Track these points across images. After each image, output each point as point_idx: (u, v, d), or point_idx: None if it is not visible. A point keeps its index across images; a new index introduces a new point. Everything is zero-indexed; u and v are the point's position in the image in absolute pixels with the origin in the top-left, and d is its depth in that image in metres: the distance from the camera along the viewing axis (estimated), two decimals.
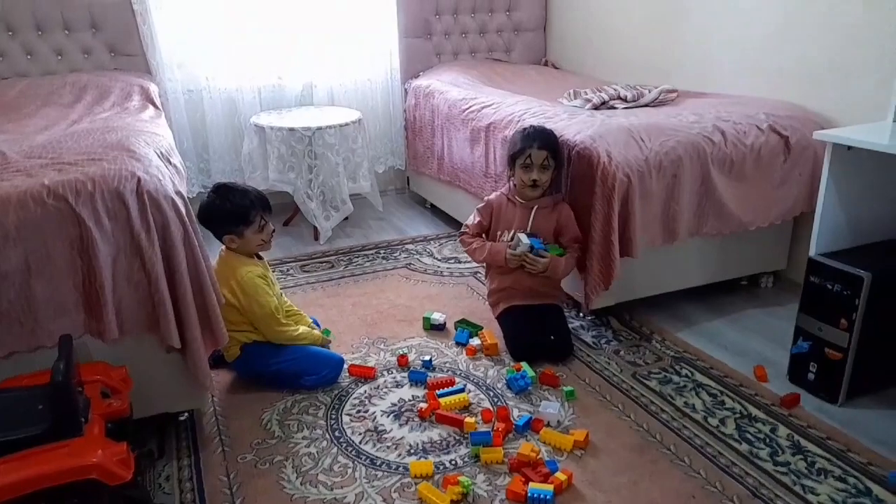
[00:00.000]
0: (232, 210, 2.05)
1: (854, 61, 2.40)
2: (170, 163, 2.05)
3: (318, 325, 2.36)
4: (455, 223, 3.51)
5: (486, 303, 2.47)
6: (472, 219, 2.40)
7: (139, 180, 1.62)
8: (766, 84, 2.74)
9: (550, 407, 1.93)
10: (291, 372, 2.09)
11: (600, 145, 2.21)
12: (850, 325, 1.90)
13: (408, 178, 4.06)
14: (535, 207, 2.27)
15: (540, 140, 2.21)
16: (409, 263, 3.10)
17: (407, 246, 3.33)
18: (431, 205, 3.80)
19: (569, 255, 2.27)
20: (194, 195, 3.61)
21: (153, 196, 1.62)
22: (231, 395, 2.10)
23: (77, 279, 1.59)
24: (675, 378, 2.14)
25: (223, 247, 2.12)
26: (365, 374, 2.16)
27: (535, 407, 1.98)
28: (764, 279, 2.74)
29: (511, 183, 2.33)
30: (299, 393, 2.08)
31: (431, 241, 3.38)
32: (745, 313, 2.56)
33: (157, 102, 2.91)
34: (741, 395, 2.04)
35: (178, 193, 1.75)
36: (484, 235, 2.38)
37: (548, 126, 2.47)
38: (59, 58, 3.09)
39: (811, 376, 2.03)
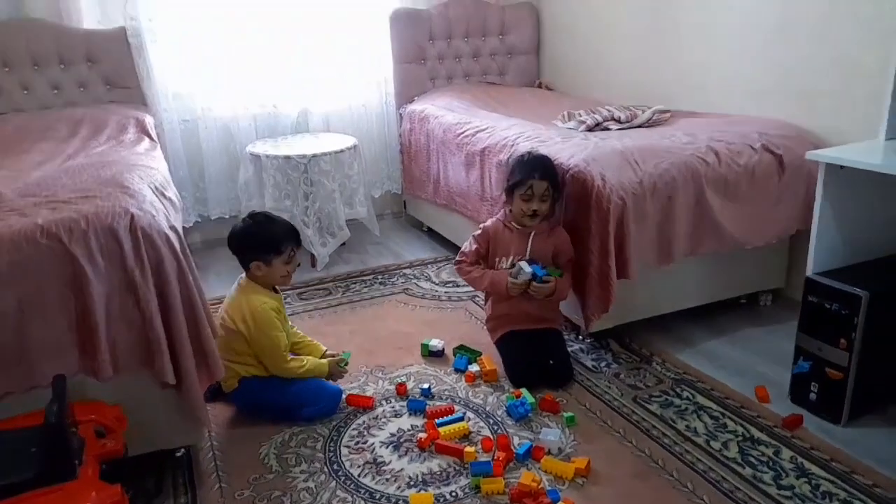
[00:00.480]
0: (266, 238, 2.07)
1: (845, 79, 2.41)
2: (164, 196, 2.06)
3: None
4: (452, 246, 3.50)
5: (485, 327, 2.46)
6: (468, 246, 2.37)
7: (132, 217, 1.62)
8: (759, 103, 2.76)
9: (551, 434, 1.91)
10: (289, 404, 2.07)
11: (594, 168, 2.21)
12: (850, 345, 1.88)
13: (404, 202, 4.07)
14: (533, 234, 2.25)
15: (541, 171, 2.18)
16: (407, 288, 3.09)
17: (404, 270, 3.32)
18: (428, 228, 3.80)
19: (567, 275, 2.27)
20: (191, 225, 3.63)
21: (147, 232, 1.62)
22: (228, 429, 2.08)
23: (71, 318, 1.58)
24: (677, 401, 2.12)
25: (242, 275, 2.14)
26: (363, 404, 2.14)
27: (536, 434, 1.96)
28: (763, 297, 2.73)
29: (507, 209, 2.31)
30: (297, 425, 2.07)
31: (429, 265, 3.37)
32: (744, 333, 2.54)
33: (153, 134, 2.93)
34: (743, 417, 2.02)
35: (172, 228, 1.75)
36: (481, 262, 2.37)
37: (542, 150, 2.49)
38: (56, 92, 3.11)
39: (813, 396, 2.01)
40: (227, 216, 3.70)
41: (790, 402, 2.08)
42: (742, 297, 2.72)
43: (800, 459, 1.82)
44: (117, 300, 1.60)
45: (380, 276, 3.26)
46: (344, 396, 2.15)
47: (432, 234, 3.75)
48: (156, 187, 2.00)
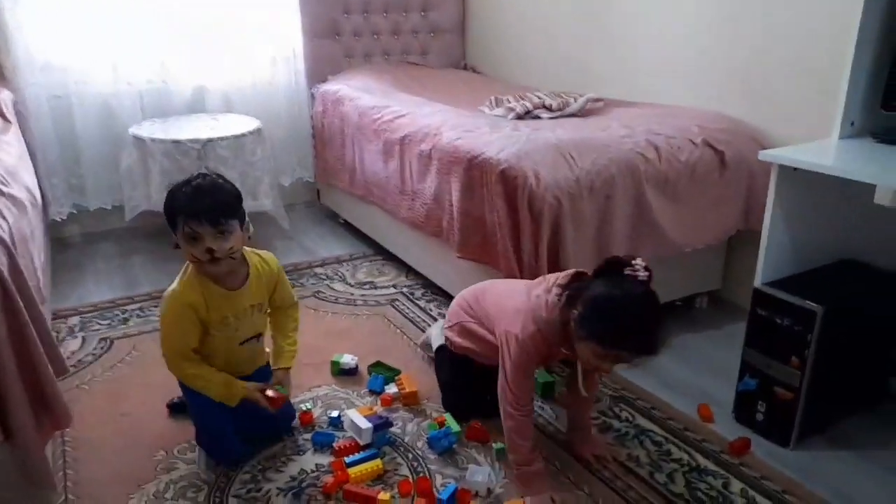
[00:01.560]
0: (167, 205, 1.59)
1: (792, 72, 2.25)
2: (1, 194, 1.64)
3: None
4: (370, 242, 3.19)
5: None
6: (517, 384, 1.61)
7: None
8: (697, 93, 2.59)
9: (479, 473, 1.66)
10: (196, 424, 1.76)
11: (527, 164, 1.96)
12: (802, 363, 1.72)
13: (318, 190, 3.71)
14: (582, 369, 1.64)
15: (637, 348, 1.47)
16: (318, 291, 2.76)
17: (316, 270, 2.99)
18: (345, 220, 3.46)
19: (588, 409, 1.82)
20: (65, 217, 3.15)
21: None
22: (95, 472, 1.70)
23: None
24: (616, 423, 1.92)
25: None
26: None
27: (462, 472, 1.70)
28: (699, 300, 2.59)
29: (557, 314, 1.56)
30: (175, 469, 1.72)
31: (344, 263, 3.05)
32: (682, 340, 2.38)
33: (7, 112, 2.45)
34: (688, 442, 1.83)
35: None
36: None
37: (468, 140, 2.21)
38: None
39: (760, 416, 1.85)
40: (108, 206, 3.23)
41: (735, 422, 1.92)
42: (678, 300, 2.56)
43: (751, 493, 1.65)
44: None
45: (288, 277, 2.89)
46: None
47: (349, 227, 3.42)
48: None
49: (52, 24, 2.91)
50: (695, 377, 2.15)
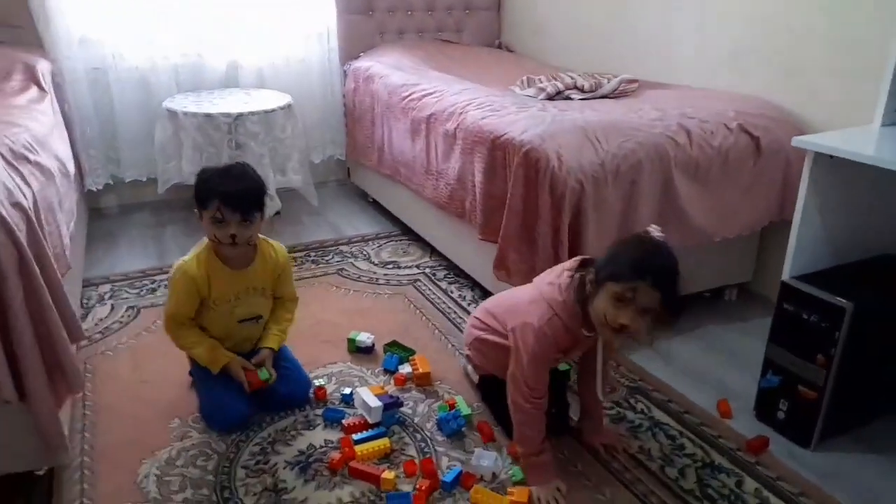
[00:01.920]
0: (199, 182, 1.71)
1: (836, 56, 2.13)
2: (27, 161, 1.68)
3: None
4: (397, 222, 3.18)
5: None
6: (531, 376, 1.56)
7: None
8: (736, 77, 2.48)
9: (485, 458, 1.64)
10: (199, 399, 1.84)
11: (550, 146, 1.91)
12: (829, 362, 1.65)
13: (348, 168, 3.71)
14: (601, 346, 1.62)
15: (660, 276, 1.38)
16: (342, 269, 2.77)
17: (342, 247, 2.99)
18: (374, 199, 3.46)
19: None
20: (101, 187, 3.22)
21: None
22: (108, 439, 1.75)
23: None
24: (630, 415, 1.87)
25: None
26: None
27: (468, 455, 1.69)
28: (728, 292, 2.50)
29: (573, 291, 1.51)
30: (189, 437, 1.75)
31: (370, 242, 3.05)
32: (707, 331, 2.31)
33: (45, 83, 2.50)
34: (703, 437, 1.78)
35: (17, 206, 1.39)
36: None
37: (493, 120, 2.17)
38: None
39: (781, 415, 1.78)
40: (143, 179, 3.30)
41: (755, 419, 1.85)
42: (706, 291, 2.48)
43: (765, 493, 1.59)
44: None
45: (313, 254, 2.93)
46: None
47: (378, 206, 3.42)
48: (13, 150, 1.62)
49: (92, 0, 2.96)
50: (717, 371, 2.09)
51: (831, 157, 1.62)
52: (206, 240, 1.77)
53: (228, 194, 1.65)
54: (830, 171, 1.66)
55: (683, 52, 2.70)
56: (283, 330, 1.91)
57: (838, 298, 1.61)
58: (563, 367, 1.94)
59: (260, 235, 1.82)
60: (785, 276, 1.74)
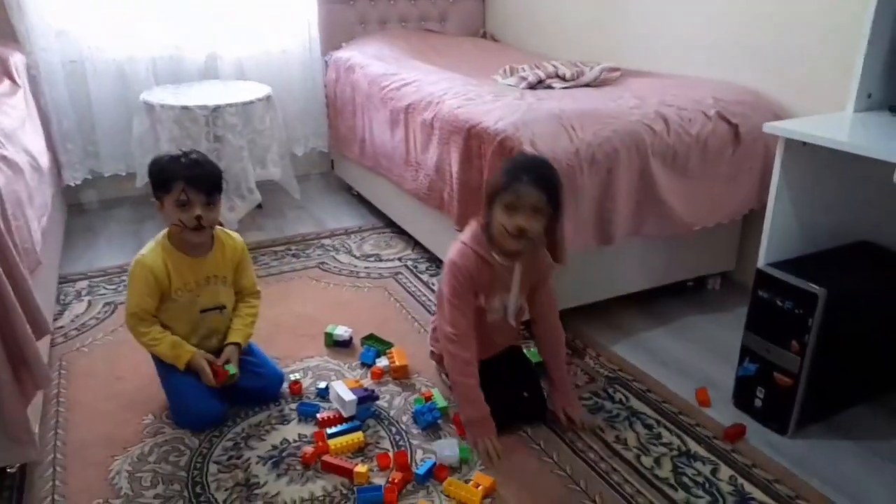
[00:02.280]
0: (159, 168, 1.69)
1: (813, 41, 2.12)
2: None
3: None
4: (380, 215, 3.16)
5: (430, 350, 1.99)
6: (452, 311, 1.66)
7: None
8: (716, 64, 2.46)
9: (447, 447, 1.63)
10: (168, 398, 1.81)
11: (524, 135, 1.89)
12: (803, 349, 1.64)
13: (332, 161, 3.69)
14: (519, 267, 1.68)
15: (535, 174, 1.56)
16: (323, 262, 2.75)
17: (324, 241, 2.97)
18: (358, 192, 3.44)
19: (557, 352, 1.79)
20: (80, 182, 3.20)
21: None
22: (84, 433, 1.73)
23: None
24: (608, 405, 1.86)
25: None
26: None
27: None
28: (711, 281, 2.49)
29: (480, 225, 1.66)
30: (162, 433, 1.74)
31: (352, 235, 3.03)
32: (689, 321, 2.30)
33: (17, 76, 2.47)
34: (680, 426, 1.77)
35: None
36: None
37: (469, 108, 2.15)
38: None
39: (758, 403, 1.78)
40: (122, 173, 3.27)
41: (733, 408, 1.85)
42: (689, 280, 2.47)
43: (739, 480, 1.58)
44: None
45: (294, 247, 2.91)
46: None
47: (361, 199, 3.39)
48: None
49: None
50: (698, 361, 2.08)
51: (804, 143, 1.60)
52: (162, 233, 1.76)
53: (192, 176, 1.65)
54: (803, 157, 1.65)
55: (667, 41, 2.68)
56: (247, 325, 1.88)
57: (811, 285, 1.60)
58: (532, 356, 1.93)
59: (217, 227, 1.81)
60: (760, 264, 1.74)
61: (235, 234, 1.89)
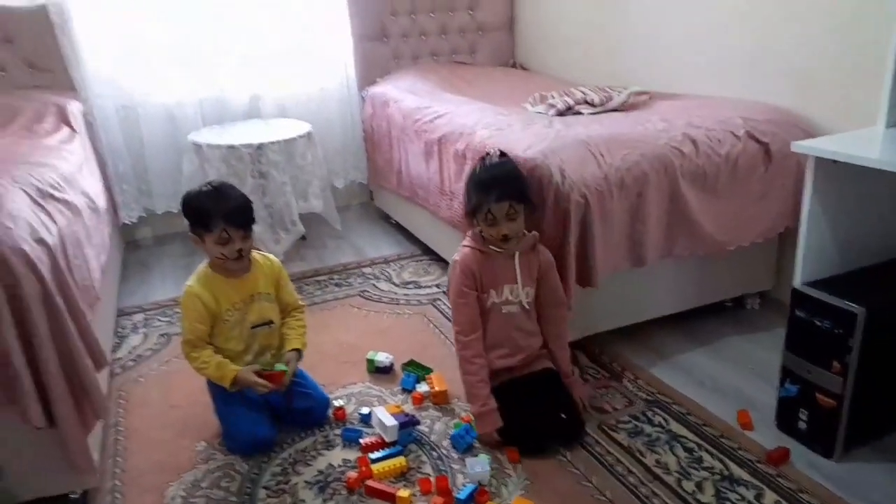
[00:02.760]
0: (196, 209, 1.81)
1: (842, 57, 2.11)
2: (54, 199, 1.78)
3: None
4: (418, 243, 3.23)
5: (446, 339, 2.12)
6: (461, 316, 1.84)
7: None
8: (744, 84, 2.46)
9: (478, 464, 1.66)
10: (221, 423, 1.90)
11: (553, 162, 1.93)
12: (844, 368, 1.62)
13: (371, 192, 3.79)
14: (517, 254, 1.84)
15: (498, 190, 1.74)
16: (364, 290, 2.83)
17: (364, 269, 3.05)
18: (396, 221, 3.52)
19: (563, 344, 1.94)
20: (135, 220, 3.36)
21: None
22: (141, 460, 1.82)
23: None
24: (648, 428, 1.86)
25: None
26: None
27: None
28: (749, 300, 2.47)
29: (477, 231, 1.85)
30: (214, 459, 1.81)
31: (392, 263, 3.11)
32: (728, 342, 2.28)
33: (75, 123, 2.64)
34: (722, 450, 1.76)
35: (40, 242, 1.47)
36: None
37: (499, 139, 2.20)
38: None
39: (802, 425, 1.75)
40: (174, 210, 3.42)
41: (777, 430, 1.83)
42: (728, 300, 2.45)
43: None
44: None
45: (336, 276, 2.99)
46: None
47: (400, 228, 3.47)
48: (39, 189, 1.72)
49: (114, 39, 3.11)
50: (737, 382, 2.06)
51: (835, 161, 1.60)
52: (203, 263, 1.88)
53: (230, 214, 1.76)
54: (834, 175, 1.64)
55: (693, 62, 2.70)
56: (300, 334, 1.97)
57: (850, 303, 1.59)
58: None
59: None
60: (796, 283, 1.73)
61: (270, 255, 2.00)
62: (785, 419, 1.80)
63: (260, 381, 1.80)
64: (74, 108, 2.72)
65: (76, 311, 1.50)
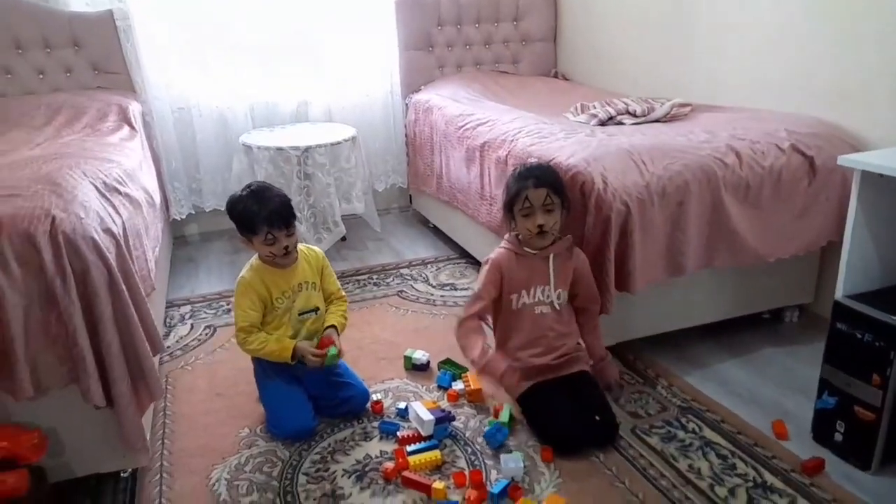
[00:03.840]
0: (241, 215, 1.92)
1: (888, 73, 2.10)
2: (118, 192, 1.89)
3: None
4: (455, 246, 3.29)
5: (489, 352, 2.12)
6: (474, 297, 1.95)
7: (53, 220, 1.44)
8: (789, 97, 2.46)
9: (511, 461, 1.70)
10: (266, 410, 1.99)
11: (595, 169, 1.97)
12: (884, 382, 1.61)
13: (410, 196, 3.87)
14: (552, 256, 1.90)
15: (535, 178, 1.84)
16: (402, 290, 2.89)
17: (402, 270, 3.12)
18: (434, 224, 3.59)
19: (595, 336, 2.02)
20: (184, 216, 3.49)
21: (69, 238, 1.44)
22: (187, 443, 1.91)
23: None
24: (681, 434, 1.88)
25: None
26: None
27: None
28: (788, 313, 2.46)
29: (513, 234, 1.94)
30: (256, 445, 1.89)
31: (429, 265, 3.17)
32: (764, 354, 2.28)
33: (135, 122, 2.78)
34: (756, 458, 1.77)
35: (107, 231, 1.57)
36: (488, 312, 2.01)
37: (542, 147, 2.25)
38: (41, 77, 2.98)
39: (838, 437, 1.75)
40: (221, 208, 3.54)
41: (812, 441, 1.82)
42: (765, 312, 2.45)
43: None
44: (38, 313, 1.44)
45: (375, 276, 3.06)
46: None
47: (438, 232, 3.54)
48: (106, 183, 1.83)
49: (173, 44, 3.25)
50: (773, 393, 2.06)
51: (881, 175, 1.61)
52: (254, 256, 1.98)
53: (272, 217, 1.86)
54: (881, 189, 1.64)
55: (735, 75, 2.70)
56: (340, 315, 2.06)
57: (892, 317, 1.58)
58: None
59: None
60: (838, 296, 1.73)
61: (314, 247, 2.11)
62: (821, 431, 1.80)
63: (314, 351, 1.91)
64: (134, 108, 2.86)
65: (137, 298, 1.59)
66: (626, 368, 2.21)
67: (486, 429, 1.88)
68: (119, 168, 2.03)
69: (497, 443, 1.82)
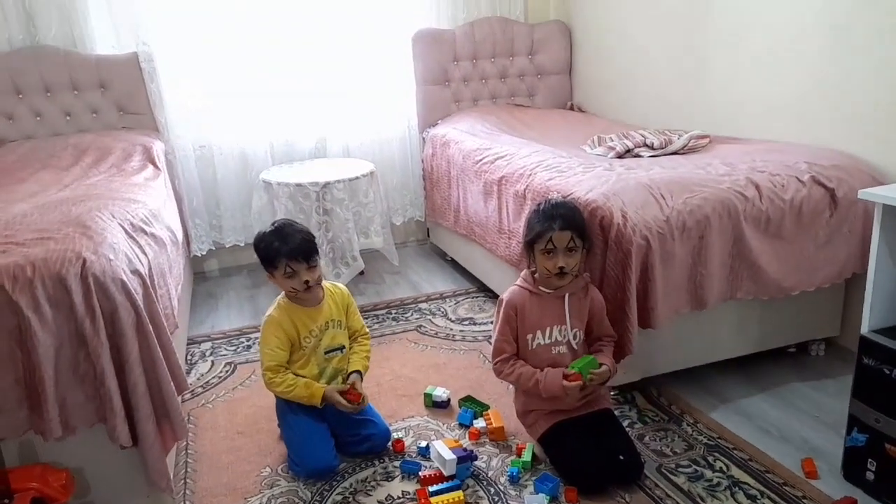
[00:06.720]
0: (263, 251, 1.95)
1: None
2: (144, 233, 1.93)
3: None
4: (473, 279, 3.30)
5: (510, 389, 2.14)
6: (497, 339, 1.93)
7: (84, 262, 1.47)
8: (808, 129, 2.46)
9: (536, 501, 1.67)
10: (288, 447, 1.99)
11: (614, 204, 1.98)
12: None
13: (427, 229, 3.89)
14: (567, 295, 1.89)
15: (562, 219, 1.81)
16: (420, 325, 2.89)
17: (420, 305, 3.13)
18: (451, 258, 3.60)
19: (608, 352, 1.94)
20: (204, 253, 3.53)
21: (99, 279, 1.47)
22: (210, 482, 1.90)
23: (18, 373, 1.45)
24: (708, 473, 1.84)
25: None
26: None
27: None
28: (814, 347, 2.42)
29: (530, 272, 1.92)
30: (278, 485, 1.88)
31: (447, 299, 3.17)
32: (791, 388, 2.24)
33: (159, 161, 2.84)
34: (786, 498, 1.73)
35: (135, 272, 1.60)
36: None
37: (560, 181, 2.26)
38: (68, 118, 3.07)
39: (870, 475, 1.71)
40: (241, 244, 3.60)
41: (843, 480, 1.78)
42: (791, 346, 2.41)
43: None
44: (68, 353, 1.46)
45: (393, 311, 3.07)
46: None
47: (455, 265, 3.55)
48: (133, 224, 1.87)
49: (195, 84, 3.33)
50: (802, 429, 2.02)
51: None
52: (281, 294, 2.00)
53: (291, 252, 1.88)
54: None
55: (754, 106, 2.71)
56: (363, 357, 2.08)
57: None
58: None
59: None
60: (864, 330, 1.71)
61: (340, 284, 2.13)
62: (852, 469, 1.76)
63: (343, 399, 1.91)
64: (158, 147, 2.92)
65: (163, 338, 1.61)
66: (650, 405, 2.19)
67: (510, 468, 1.85)
68: (145, 208, 2.07)
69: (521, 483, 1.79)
